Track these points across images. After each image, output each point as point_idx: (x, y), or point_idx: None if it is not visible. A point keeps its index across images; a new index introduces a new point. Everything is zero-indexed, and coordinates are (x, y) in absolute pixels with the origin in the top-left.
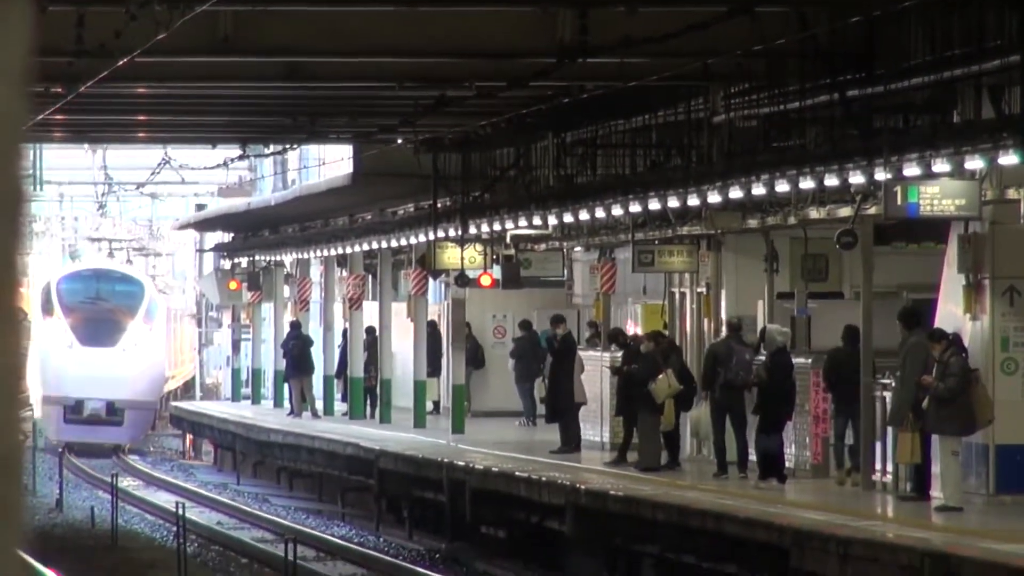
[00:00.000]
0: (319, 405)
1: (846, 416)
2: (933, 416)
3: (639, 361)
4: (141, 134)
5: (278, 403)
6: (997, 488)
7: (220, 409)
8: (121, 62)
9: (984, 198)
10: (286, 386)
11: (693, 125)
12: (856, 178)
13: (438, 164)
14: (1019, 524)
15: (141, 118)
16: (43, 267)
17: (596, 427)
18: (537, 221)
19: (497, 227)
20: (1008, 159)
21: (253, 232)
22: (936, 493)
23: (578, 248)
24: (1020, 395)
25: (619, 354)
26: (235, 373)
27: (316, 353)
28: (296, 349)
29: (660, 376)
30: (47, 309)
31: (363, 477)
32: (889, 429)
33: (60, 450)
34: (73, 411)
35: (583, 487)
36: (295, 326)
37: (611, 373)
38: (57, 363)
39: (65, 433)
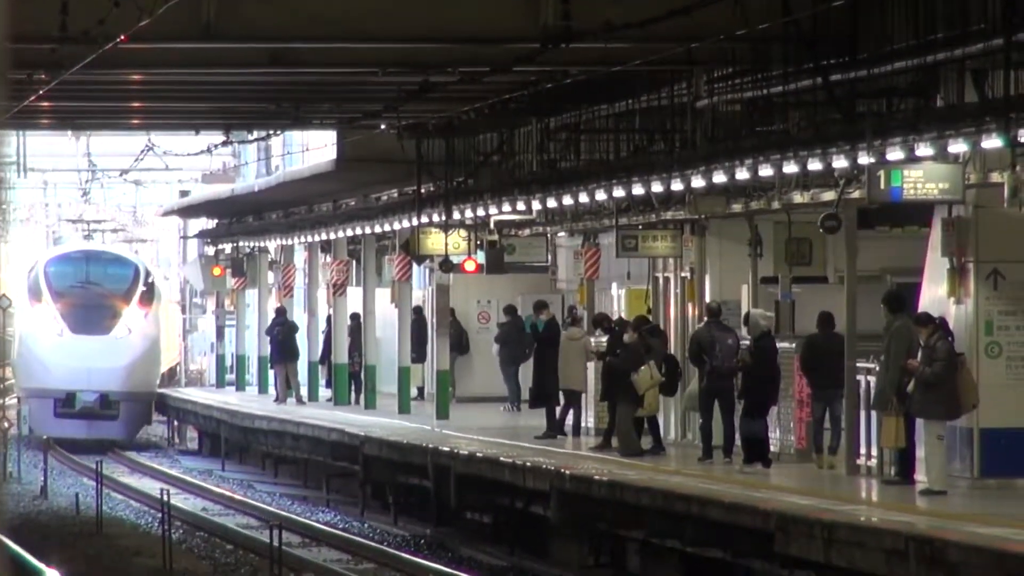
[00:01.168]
0: (303, 391)
1: (824, 401)
2: (919, 400)
3: (622, 350)
4: (125, 121)
5: (262, 389)
6: (981, 472)
7: (204, 396)
8: (105, 48)
9: (967, 182)
10: (271, 372)
11: (676, 110)
12: (840, 162)
13: (422, 150)
14: (1003, 508)
15: (125, 105)
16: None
17: (581, 412)
18: (521, 206)
19: (481, 212)
20: (991, 143)
21: (237, 218)
22: (920, 477)
23: (562, 233)
24: (1004, 378)
25: (603, 339)
26: (219, 359)
27: (300, 339)
28: (281, 335)
29: (643, 368)
30: (35, 294)
31: (348, 463)
32: (872, 413)
33: (44, 437)
34: (64, 404)
35: (568, 472)
36: (280, 312)
37: (596, 358)
38: (46, 352)
39: (55, 428)
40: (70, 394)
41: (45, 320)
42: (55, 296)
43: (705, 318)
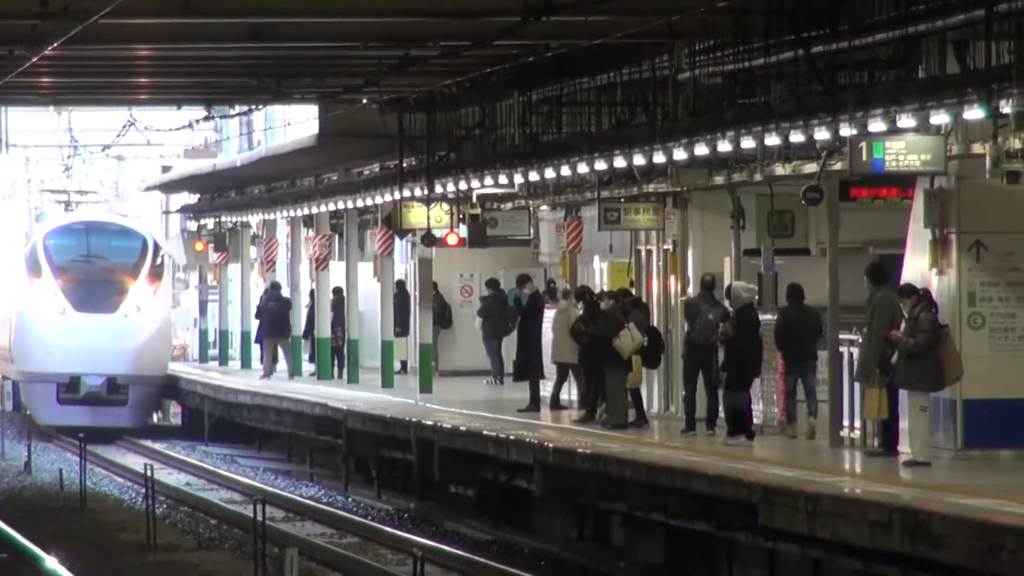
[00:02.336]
0: (282, 366)
1: (796, 373)
2: (902, 372)
3: (601, 318)
4: (106, 96)
5: (246, 364)
6: (965, 443)
7: (187, 371)
8: (86, 24)
9: (949, 153)
10: (254, 347)
11: (658, 82)
12: (821, 134)
13: (403, 124)
14: (987, 479)
15: (106, 80)
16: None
17: (565, 385)
18: (503, 180)
19: (463, 186)
20: (973, 114)
21: (219, 193)
22: (904, 448)
23: (544, 207)
24: (987, 349)
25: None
26: (203, 334)
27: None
28: (276, 310)
29: (623, 331)
30: (34, 270)
31: (331, 437)
32: (855, 385)
33: (27, 412)
34: (68, 389)
35: (551, 445)
36: (275, 287)
37: (571, 337)
38: (47, 333)
39: (59, 415)
40: (74, 378)
41: (45, 298)
42: (56, 271)
43: (690, 290)
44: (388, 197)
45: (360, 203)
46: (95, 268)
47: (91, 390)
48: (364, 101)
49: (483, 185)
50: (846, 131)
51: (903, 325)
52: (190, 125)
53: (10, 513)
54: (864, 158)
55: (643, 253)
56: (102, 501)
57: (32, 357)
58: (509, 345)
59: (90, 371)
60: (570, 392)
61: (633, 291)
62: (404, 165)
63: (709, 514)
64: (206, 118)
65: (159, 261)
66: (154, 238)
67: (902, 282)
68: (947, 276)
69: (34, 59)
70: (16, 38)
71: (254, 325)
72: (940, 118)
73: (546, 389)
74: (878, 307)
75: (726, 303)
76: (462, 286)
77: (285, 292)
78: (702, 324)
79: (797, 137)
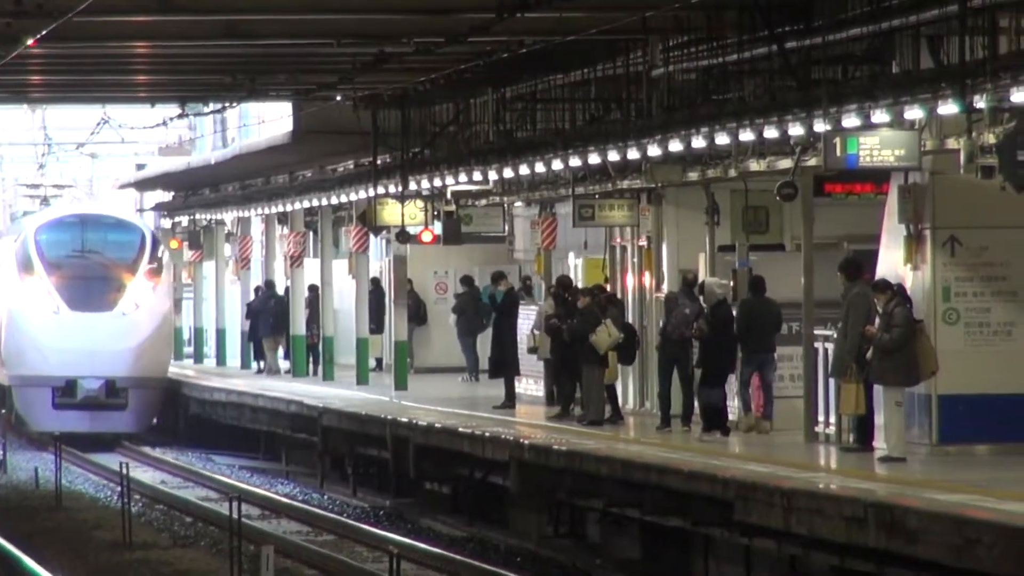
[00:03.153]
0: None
1: (753, 365)
2: (877, 367)
3: (577, 315)
4: (80, 94)
5: (221, 362)
6: (940, 438)
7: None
8: (60, 21)
9: (924, 148)
10: (251, 345)
11: (632, 78)
12: (795, 130)
13: (378, 121)
14: (962, 474)
15: (80, 78)
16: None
17: (539, 382)
18: (477, 176)
19: (437, 183)
20: (947, 109)
21: (193, 191)
22: (879, 444)
23: (519, 203)
24: (962, 345)
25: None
26: (177, 332)
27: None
28: (278, 308)
29: (600, 327)
30: (24, 267)
31: (306, 435)
32: (830, 381)
33: (1, 411)
34: (64, 393)
35: (526, 442)
36: (271, 285)
37: (547, 333)
38: (41, 334)
39: (54, 421)
40: (70, 381)
41: (38, 296)
42: (49, 268)
43: (665, 286)
44: (363, 194)
45: (335, 200)
46: (90, 264)
47: (88, 394)
48: (338, 98)
49: (457, 182)
50: (820, 127)
51: (877, 321)
52: (164, 123)
53: None
54: (838, 153)
55: (618, 249)
56: (77, 499)
57: (24, 360)
58: (484, 342)
59: (87, 374)
60: (545, 389)
61: (608, 287)
62: (378, 162)
63: (685, 510)
64: (180, 116)
65: (159, 256)
66: (152, 232)
67: (877, 277)
68: (922, 271)
69: (8, 57)
70: None
71: (238, 323)
72: (914, 113)
73: (523, 386)
74: (854, 303)
75: (700, 299)
76: (437, 283)
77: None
78: (677, 318)
79: (771, 133)
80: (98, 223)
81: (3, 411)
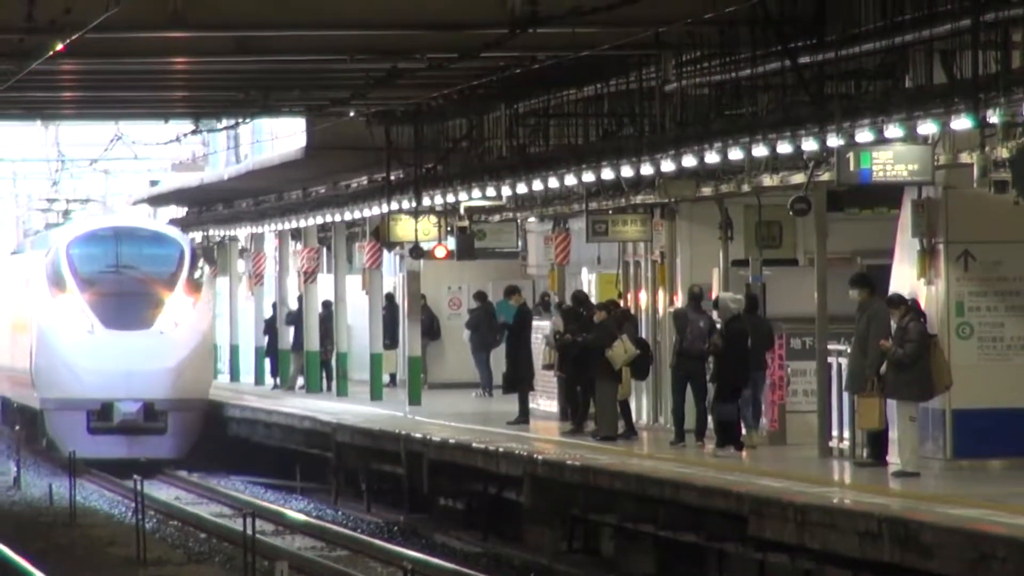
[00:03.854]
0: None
1: (749, 384)
2: (891, 382)
3: (594, 329)
4: (93, 110)
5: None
6: (954, 453)
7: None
8: (72, 38)
9: (937, 163)
10: (267, 360)
11: (645, 94)
12: (809, 145)
13: (391, 136)
14: (976, 489)
15: (93, 94)
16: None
17: (554, 398)
18: (491, 192)
19: (451, 198)
20: (960, 123)
21: (207, 207)
22: (893, 459)
23: (532, 218)
24: (976, 359)
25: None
26: None
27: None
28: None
29: (616, 343)
30: (56, 283)
31: (320, 451)
32: (844, 395)
33: (16, 427)
34: (99, 417)
35: (540, 458)
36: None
37: (556, 344)
38: (74, 354)
39: (89, 446)
40: (106, 404)
41: (71, 314)
42: (82, 284)
43: (678, 301)
44: (376, 210)
45: (348, 216)
46: (126, 280)
47: (125, 417)
48: (351, 114)
49: (471, 197)
50: (833, 141)
51: (892, 335)
52: (177, 139)
53: None
54: (852, 168)
55: (631, 264)
56: (92, 516)
57: (57, 382)
58: (498, 357)
59: (124, 396)
60: (558, 405)
61: (622, 302)
62: (392, 178)
63: (699, 525)
64: (193, 132)
65: (198, 270)
66: (191, 244)
67: (891, 292)
68: (935, 286)
69: (21, 73)
70: (2, 52)
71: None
72: (927, 128)
73: (537, 402)
74: (875, 317)
75: (714, 314)
76: (450, 298)
77: (268, 307)
78: (693, 333)
79: (784, 148)
80: (133, 236)
81: (17, 427)
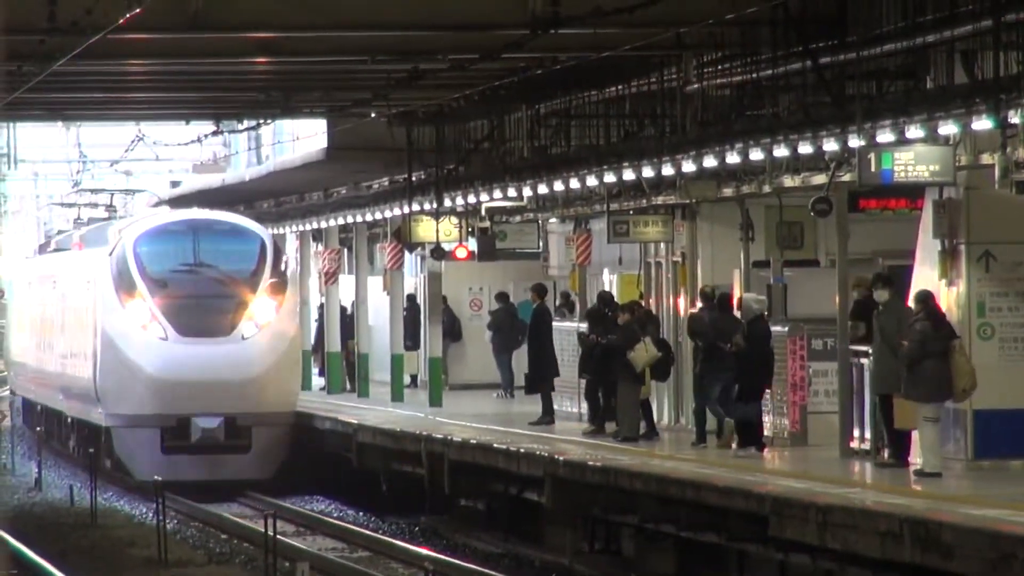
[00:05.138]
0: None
1: (721, 382)
2: (905, 381)
3: (617, 330)
4: (115, 111)
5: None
6: (975, 453)
7: None
8: (93, 39)
9: (958, 163)
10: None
11: (666, 94)
12: (830, 145)
13: (412, 137)
14: (997, 489)
15: (114, 95)
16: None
17: (573, 399)
18: (512, 193)
19: (472, 199)
20: (981, 124)
21: (228, 208)
22: (915, 459)
23: (553, 219)
24: (997, 360)
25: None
26: None
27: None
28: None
29: (639, 344)
30: (123, 285)
31: (341, 451)
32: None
33: (38, 428)
34: (175, 435)
35: (561, 458)
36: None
37: (580, 343)
38: (145, 365)
39: (165, 468)
40: (182, 420)
41: (140, 320)
42: (153, 286)
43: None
44: (397, 211)
45: (369, 217)
46: (203, 280)
47: (204, 435)
48: (373, 115)
49: (492, 198)
50: (854, 142)
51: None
52: (199, 140)
53: (21, 529)
54: (873, 169)
55: (652, 265)
56: (112, 517)
57: (126, 397)
58: (520, 358)
59: (202, 411)
60: (579, 405)
61: (643, 303)
62: (413, 179)
63: (720, 526)
64: (215, 133)
65: (282, 267)
66: (273, 240)
67: (919, 290)
68: (956, 287)
69: (42, 75)
70: (24, 54)
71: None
72: (949, 128)
73: (558, 403)
74: (905, 318)
75: (736, 314)
76: (471, 299)
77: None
78: (715, 332)
79: (806, 148)
80: (210, 230)
81: (39, 429)
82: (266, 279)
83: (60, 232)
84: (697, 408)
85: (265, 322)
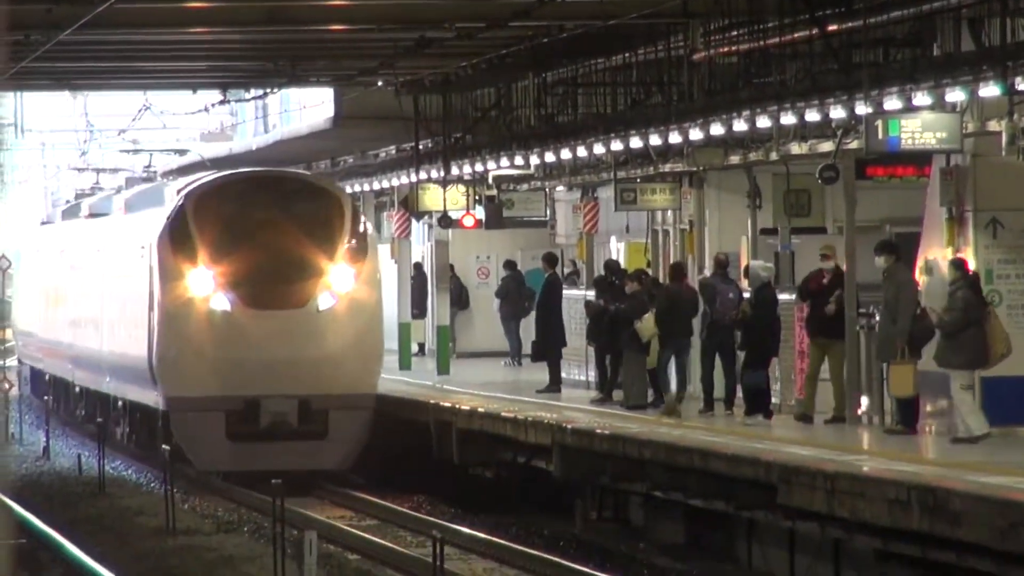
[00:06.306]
0: None
1: (671, 350)
2: (940, 349)
3: (625, 299)
4: (122, 80)
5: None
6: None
7: None
8: (100, 8)
9: (965, 131)
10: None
11: (673, 62)
12: (837, 113)
13: (419, 106)
14: (1005, 456)
15: (122, 64)
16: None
17: (581, 367)
18: (519, 161)
19: (479, 168)
20: (989, 91)
21: None
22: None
23: (560, 188)
24: (1007, 327)
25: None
26: None
27: None
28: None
29: (646, 315)
30: (181, 250)
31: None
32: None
33: (46, 398)
34: (243, 419)
35: (569, 427)
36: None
37: (587, 311)
38: (208, 341)
39: (231, 457)
40: (251, 403)
41: (202, 290)
42: (216, 251)
43: (707, 271)
44: (404, 179)
45: (376, 185)
46: (273, 244)
47: (276, 419)
48: (380, 83)
49: (499, 166)
50: (862, 109)
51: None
52: (206, 109)
53: (29, 498)
54: (880, 136)
55: (660, 233)
56: (121, 486)
57: (186, 376)
58: (527, 326)
59: (273, 392)
60: (587, 374)
61: (650, 271)
62: (420, 147)
63: (728, 494)
64: (222, 102)
65: (361, 230)
66: (352, 199)
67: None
68: (963, 254)
69: (49, 44)
70: (31, 23)
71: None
72: (956, 96)
73: (566, 371)
74: (905, 285)
75: (744, 283)
76: (479, 268)
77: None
78: (723, 303)
79: (813, 116)
80: (281, 189)
81: (47, 397)
82: (344, 243)
83: (78, 197)
84: (704, 376)
85: (343, 292)
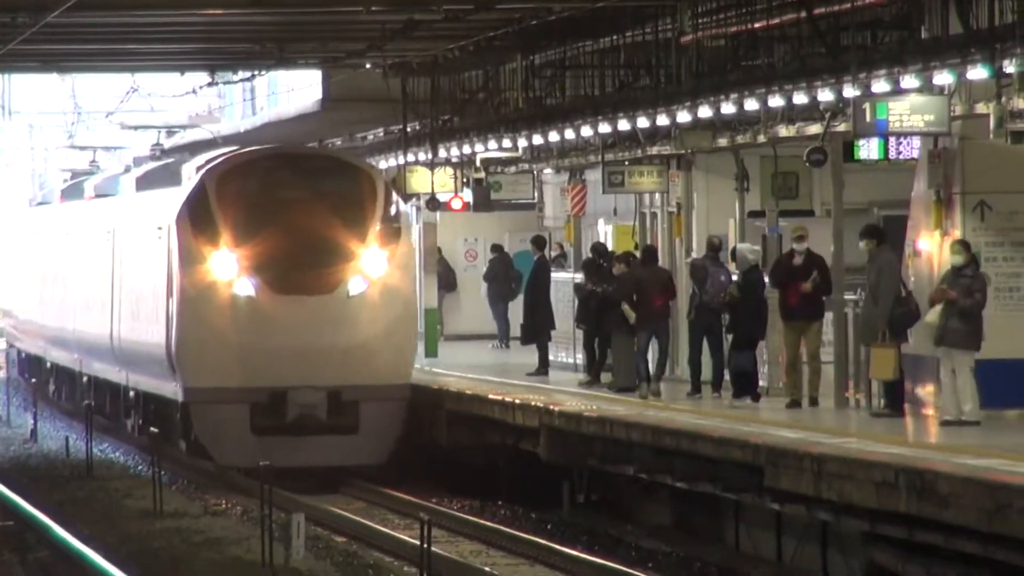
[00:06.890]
0: None
1: (647, 332)
2: (955, 331)
3: (613, 282)
4: (109, 62)
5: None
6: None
7: None
8: None
9: (953, 113)
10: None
11: (661, 45)
12: (825, 95)
13: (407, 88)
14: (994, 439)
15: (109, 46)
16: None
17: (569, 349)
18: (507, 144)
19: (467, 150)
20: (976, 74)
21: None
22: (926, 409)
23: (548, 170)
24: (993, 310)
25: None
26: None
27: None
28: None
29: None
30: (203, 231)
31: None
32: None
33: (33, 380)
34: (268, 412)
35: (556, 409)
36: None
37: (576, 292)
38: (231, 328)
39: (255, 452)
40: (277, 394)
41: (225, 274)
42: (240, 233)
43: (695, 253)
44: (392, 162)
45: None
46: (300, 226)
47: (303, 411)
48: (368, 66)
49: (487, 149)
50: (849, 92)
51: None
52: (193, 91)
53: (16, 481)
54: (868, 119)
55: (647, 216)
56: (108, 468)
57: (208, 365)
58: (515, 309)
59: (300, 383)
60: (574, 356)
61: (637, 254)
62: (408, 129)
63: (715, 476)
64: (209, 84)
65: (393, 211)
66: (384, 178)
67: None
68: (951, 237)
69: (37, 26)
70: (18, 5)
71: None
72: (944, 78)
73: (554, 353)
74: (886, 268)
75: (731, 265)
76: (466, 250)
77: None
78: (714, 285)
79: (800, 99)
80: (308, 166)
81: (33, 380)
82: (375, 224)
83: (75, 177)
84: (692, 358)
85: (375, 276)
